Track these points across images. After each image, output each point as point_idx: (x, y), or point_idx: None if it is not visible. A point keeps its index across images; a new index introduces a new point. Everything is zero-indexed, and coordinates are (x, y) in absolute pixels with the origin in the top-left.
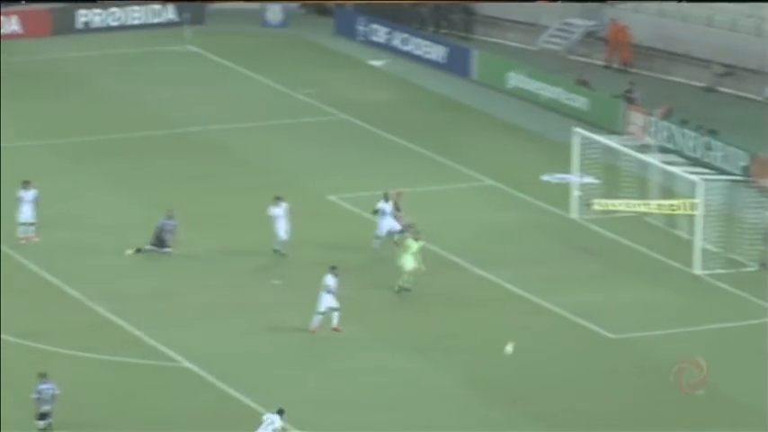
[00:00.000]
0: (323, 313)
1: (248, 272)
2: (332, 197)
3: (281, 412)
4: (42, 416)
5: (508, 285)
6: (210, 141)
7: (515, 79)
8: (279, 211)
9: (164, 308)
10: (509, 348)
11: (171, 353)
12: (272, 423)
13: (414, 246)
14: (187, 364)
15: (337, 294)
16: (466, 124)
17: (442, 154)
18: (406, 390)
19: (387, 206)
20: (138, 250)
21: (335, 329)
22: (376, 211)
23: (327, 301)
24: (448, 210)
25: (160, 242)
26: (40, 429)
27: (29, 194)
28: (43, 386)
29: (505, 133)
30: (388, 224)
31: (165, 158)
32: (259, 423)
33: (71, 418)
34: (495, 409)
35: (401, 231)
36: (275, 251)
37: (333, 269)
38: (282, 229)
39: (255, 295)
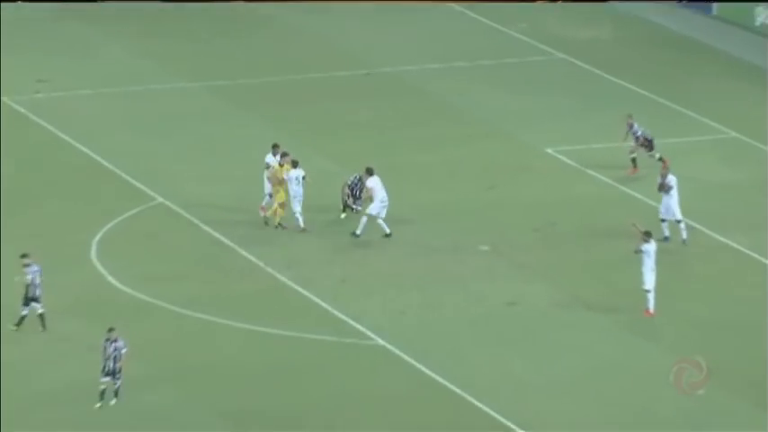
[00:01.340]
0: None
1: (448, 234)
2: (550, 150)
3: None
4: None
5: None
6: (405, 84)
7: (764, 16)
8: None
9: (347, 274)
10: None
11: (359, 326)
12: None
13: None
14: (379, 341)
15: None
16: (703, 66)
17: (675, 100)
18: (618, 372)
19: None
20: (347, 209)
21: (649, 313)
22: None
23: (650, 277)
24: (688, 167)
25: (354, 198)
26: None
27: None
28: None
29: (751, 79)
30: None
31: (353, 103)
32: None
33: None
34: (734, 397)
35: None
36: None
37: (647, 235)
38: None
39: (456, 263)
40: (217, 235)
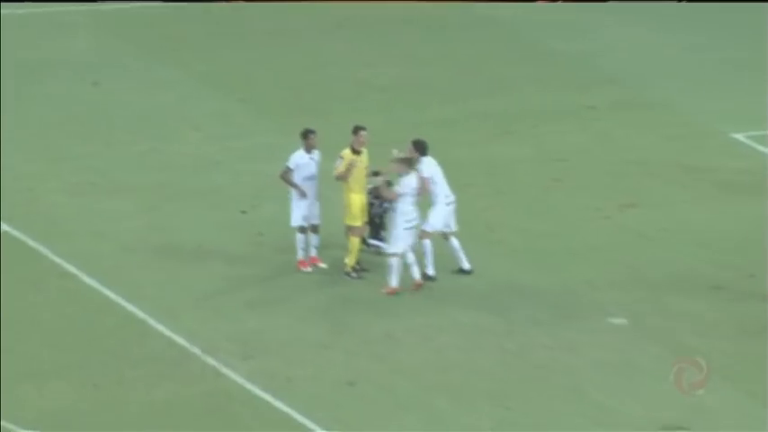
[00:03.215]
0: None
1: (550, 294)
2: (740, 136)
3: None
4: None
5: None
6: (468, 14)
7: None
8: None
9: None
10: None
11: None
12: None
13: None
14: None
15: None
16: None
17: None
18: None
19: None
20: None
21: None
22: None
23: None
24: None
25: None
26: None
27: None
28: None
29: None
30: None
31: (370, 50)
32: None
33: None
34: None
35: None
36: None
37: None
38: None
39: (565, 349)
40: (93, 283)
